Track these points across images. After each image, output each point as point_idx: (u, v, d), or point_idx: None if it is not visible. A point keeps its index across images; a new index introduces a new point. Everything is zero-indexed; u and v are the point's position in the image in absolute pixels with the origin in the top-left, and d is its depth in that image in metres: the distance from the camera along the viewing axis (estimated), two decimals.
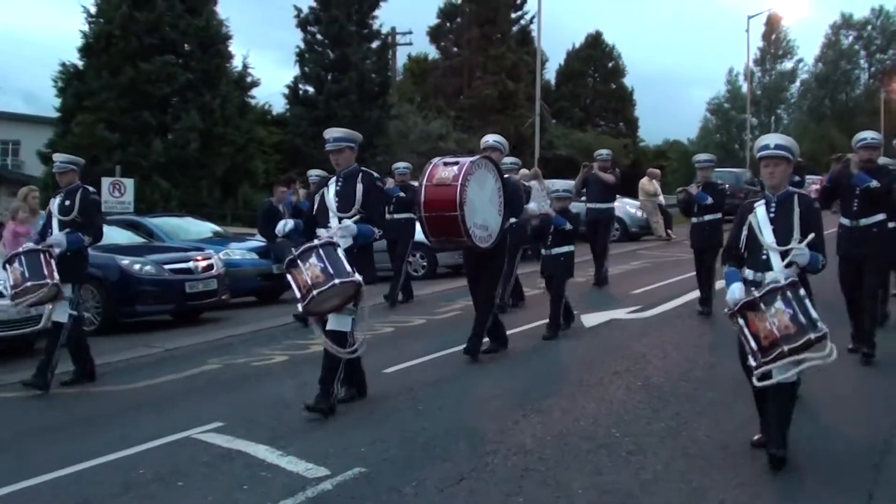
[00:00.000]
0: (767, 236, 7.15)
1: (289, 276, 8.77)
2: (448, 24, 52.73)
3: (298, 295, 8.67)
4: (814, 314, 6.65)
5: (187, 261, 16.20)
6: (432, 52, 54.82)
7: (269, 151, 36.73)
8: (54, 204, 11.47)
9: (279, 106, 41.09)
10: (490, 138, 12.14)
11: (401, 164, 18.12)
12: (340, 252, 8.77)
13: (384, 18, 41.72)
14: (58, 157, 12.10)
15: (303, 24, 39.48)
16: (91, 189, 11.67)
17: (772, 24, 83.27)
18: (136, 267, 15.61)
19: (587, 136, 53.91)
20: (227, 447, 8.08)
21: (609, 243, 18.94)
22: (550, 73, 61.65)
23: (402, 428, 8.47)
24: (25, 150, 43.50)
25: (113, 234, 15.72)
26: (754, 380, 6.84)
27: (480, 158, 11.09)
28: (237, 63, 35.50)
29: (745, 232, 7.28)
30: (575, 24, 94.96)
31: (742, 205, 7.57)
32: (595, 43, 63.75)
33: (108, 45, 32.07)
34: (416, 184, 15.77)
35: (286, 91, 39.70)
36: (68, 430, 9.38)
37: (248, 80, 36.02)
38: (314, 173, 16.23)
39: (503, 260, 11.56)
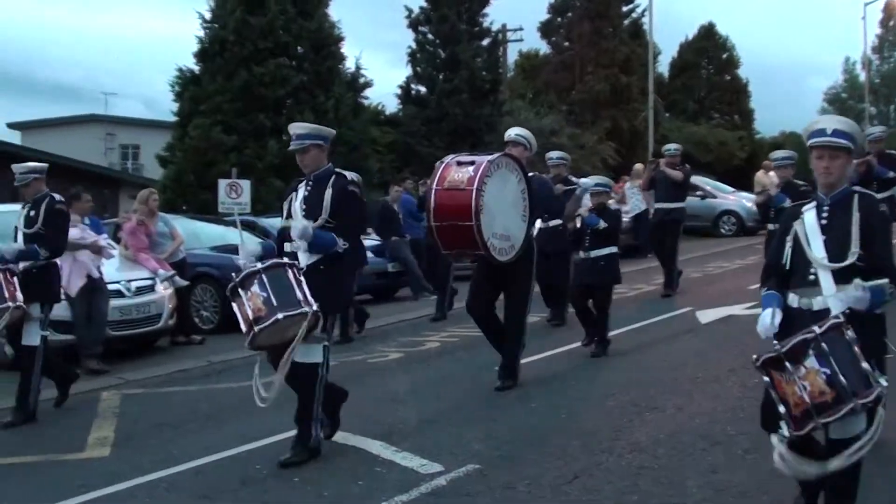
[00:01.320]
0: (816, 249, 5.51)
1: (234, 307, 7.46)
2: (559, 19, 52.39)
3: (244, 329, 7.35)
4: (864, 367, 4.96)
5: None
6: (543, 48, 54.58)
7: (382, 151, 36.96)
8: (20, 216, 10.51)
9: (392, 106, 41.33)
10: (512, 132, 10.84)
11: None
12: (291, 274, 7.40)
13: (494, 16, 41.44)
14: (17, 167, 10.76)
15: (414, 24, 39.62)
16: (58, 198, 10.54)
17: (889, 11, 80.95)
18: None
19: (701, 129, 53.11)
20: (342, 443, 8.18)
21: (678, 246, 17.34)
22: (663, 66, 60.84)
23: (515, 425, 8.47)
24: (145, 153, 44.48)
25: (230, 235, 15.99)
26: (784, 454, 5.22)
27: (500, 157, 9.83)
28: (350, 64, 35.76)
29: (789, 244, 5.66)
30: (687, 15, 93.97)
31: (786, 210, 6.13)
32: (708, 34, 62.71)
33: (223, 49, 32.58)
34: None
35: (398, 91, 39.87)
36: (188, 425, 9.58)
37: (361, 80, 36.23)
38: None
39: (530, 274, 10.27)
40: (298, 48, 33.43)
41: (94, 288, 12.54)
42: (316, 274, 7.60)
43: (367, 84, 36.46)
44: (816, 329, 4.97)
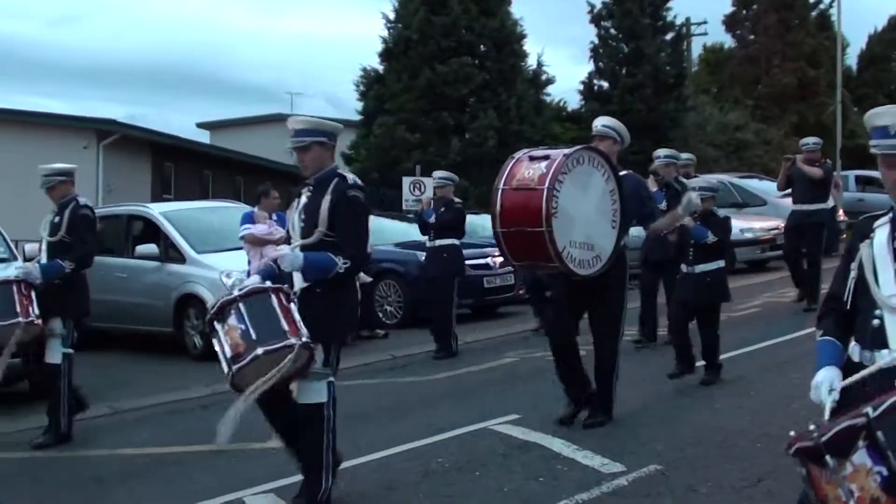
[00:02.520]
0: (885, 285, 3.98)
1: (214, 343, 6.37)
2: (744, 12, 51.32)
3: (225, 369, 6.26)
4: None
5: (485, 257, 16.49)
6: (728, 41, 53.61)
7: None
8: (44, 222, 9.75)
9: (574, 102, 41.21)
10: (599, 122, 9.11)
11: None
12: (276, 300, 6.27)
13: (678, 9, 40.92)
14: (42, 169, 10.00)
15: (596, 19, 39.37)
16: (84, 202, 9.84)
17: None
18: None
19: None
20: (524, 439, 8.19)
21: (822, 255, 15.03)
22: (851, 59, 58.94)
23: (698, 426, 8.34)
24: None
25: (413, 231, 16.19)
26: None
27: (581, 150, 8.28)
28: (532, 61, 35.82)
29: (853, 273, 4.14)
30: (876, 5, 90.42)
31: (855, 225, 4.49)
32: None
33: (407, 48, 33.04)
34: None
35: (580, 87, 39.72)
36: (372, 418, 9.74)
37: (543, 77, 36.25)
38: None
39: (623, 290, 8.75)
40: (481, 46, 33.63)
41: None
42: (313, 298, 6.52)
43: (550, 81, 36.47)
44: (870, 411, 3.14)
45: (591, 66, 39.32)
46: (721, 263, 10.24)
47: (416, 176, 24.22)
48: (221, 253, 13.79)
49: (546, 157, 8.10)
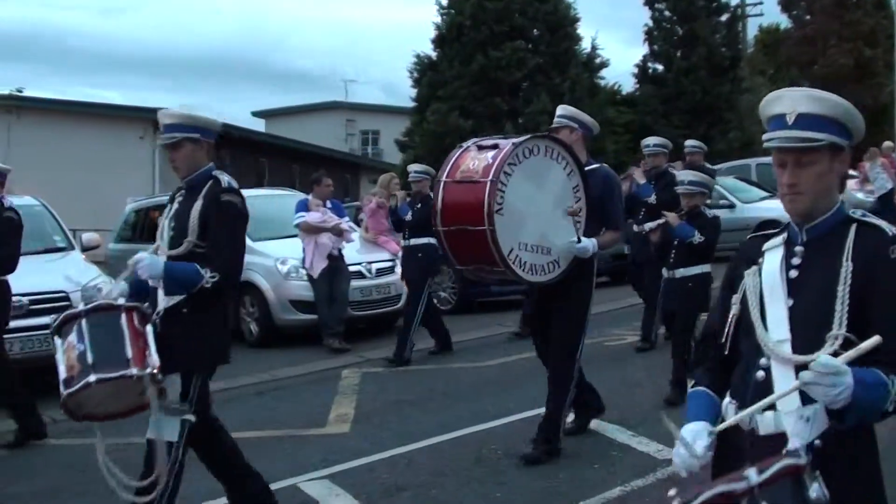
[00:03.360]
0: (776, 328, 3.13)
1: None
2: None
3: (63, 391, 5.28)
4: None
5: None
6: (784, 22, 52.91)
7: (619, 131, 36.62)
8: None
9: (628, 85, 40.87)
10: (560, 111, 8.16)
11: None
12: (126, 320, 5.30)
13: None
14: None
15: (650, 1, 39.06)
16: (7, 203, 9.18)
17: None
18: None
19: None
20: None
21: None
22: None
23: None
24: (384, 138, 45.53)
25: None
26: None
27: (535, 139, 7.31)
28: (585, 45, 35.60)
29: (734, 309, 3.30)
30: None
31: (741, 245, 3.57)
32: None
33: (460, 34, 32.96)
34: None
35: (635, 70, 39.39)
36: (425, 404, 9.76)
37: (597, 61, 36.01)
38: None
39: (585, 299, 7.70)
40: (534, 30, 33.48)
41: (336, 269, 12.89)
42: (176, 319, 5.61)
43: (604, 64, 36.24)
44: (753, 474, 2.50)
45: (645, 49, 39.01)
46: (706, 269, 9.17)
47: None
48: (277, 240, 13.87)
49: (495, 147, 7.18)
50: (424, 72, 34.07)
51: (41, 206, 13.11)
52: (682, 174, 10.05)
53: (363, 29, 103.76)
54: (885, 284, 3.03)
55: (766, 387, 3.07)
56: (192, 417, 5.62)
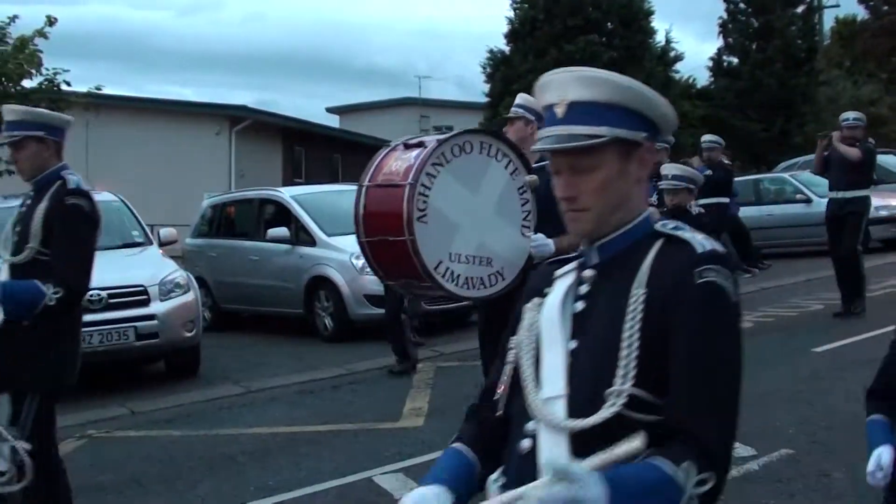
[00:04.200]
0: (550, 382, 2.30)
1: None
2: None
3: None
4: None
5: None
6: (861, 13, 52.09)
7: (694, 125, 36.34)
8: None
9: (703, 79, 40.56)
10: (518, 99, 7.16)
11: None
12: None
13: None
14: None
15: None
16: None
17: None
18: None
19: None
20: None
21: (861, 253, 12.57)
22: None
23: (832, 410, 8.16)
24: None
25: None
26: None
27: (467, 135, 6.55)
28: (660, 38, 35.43)
29: (511, 356, 2.47)
30: None
31: (529, 274, 3.54)
32: None
33: (533, 28, 32.94)
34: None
35: (709, 63, 39.10)
36: None
37: (672, 54, 35.81)
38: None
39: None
40: (608, 24, 33.35)
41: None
42: (13, 336, 5.00)
43: (678, 57, 36.02)
44: None
45: (720, 42, 38.66)
46: None
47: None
48: (351, 236, 13.89)
49: (419, 145, 6.47)
50: (497, 67, 34.09)
51: (119, 202, 13.33)
52: (666, 168, 8.98)
53: (437, 25, 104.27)
54: (684, 320, 2.19)
55: (531, 461, 2.26)
56: (25, 445, 4.87)
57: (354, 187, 17.55)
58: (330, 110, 52.02)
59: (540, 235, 6.21)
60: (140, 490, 7.59)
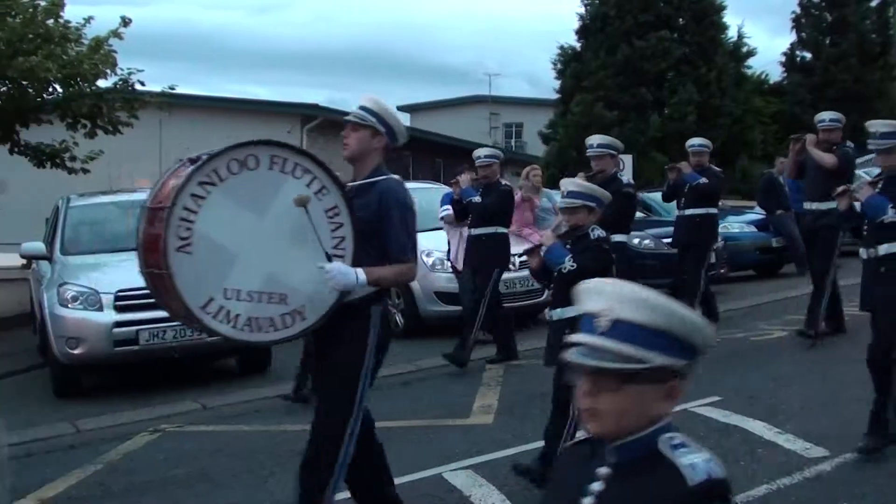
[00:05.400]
0: None
1: None
2: None
3: None
4: None
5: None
6: None
7: (766, 122, 35.93)
8: None
9: (775, 74, 40.10)
10: (363, 101, 5.96)
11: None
12: None
13: None
14: None
15: None
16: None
17: None
18: (636, 241, 15.91)
19: None
20: (724, 422, 8.07)
21: (834, 268, 11.24)
22: None
23: None
24: (528, 131, 45.60)
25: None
26: None
27: (247, 147, 5.44)
28: (732, 33, 35.07)
29: None
30: None
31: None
32: None
33: (604, 24, 32.77)
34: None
35: (782, 58, 38.63)
36: None
37: (744, 49, 35.43)
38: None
39: (364, 351, 5.56)
40: (679, 19, 33.12)
41: None
42: None
43: (750, 53, 35.65)
44: None
45: (792, 37, 38.21)
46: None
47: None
48: (422, 233, 13.89)
49: (197, 160, 5.45)
50: (568, 63, 33.97)
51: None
52: (564, 182, 7.46)
53: (507, 22, 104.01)
54: None
55: None
56: None
57: (426, 185, 17.67)
58: (401, 108, 52.11)
59: (336, 265, 5.27)
60: (210, 484, 7.69)
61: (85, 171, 17.60)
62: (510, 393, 10.03)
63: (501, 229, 11.69)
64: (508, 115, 49.39)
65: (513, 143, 48.85)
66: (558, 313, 6.87)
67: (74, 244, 12.50)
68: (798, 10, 37.88)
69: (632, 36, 31.95)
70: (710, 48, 33.07)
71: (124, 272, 9.83)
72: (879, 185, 7.42)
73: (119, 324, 10.61)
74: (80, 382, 11.42)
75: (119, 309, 10.72)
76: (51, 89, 17.15)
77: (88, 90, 17.21)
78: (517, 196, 14.70)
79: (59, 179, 17.66)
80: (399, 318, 13.83)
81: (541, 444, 7.54)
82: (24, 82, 16.44)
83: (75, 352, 10.79)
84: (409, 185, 14.67)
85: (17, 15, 16.38)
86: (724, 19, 34.33)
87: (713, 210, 12.99)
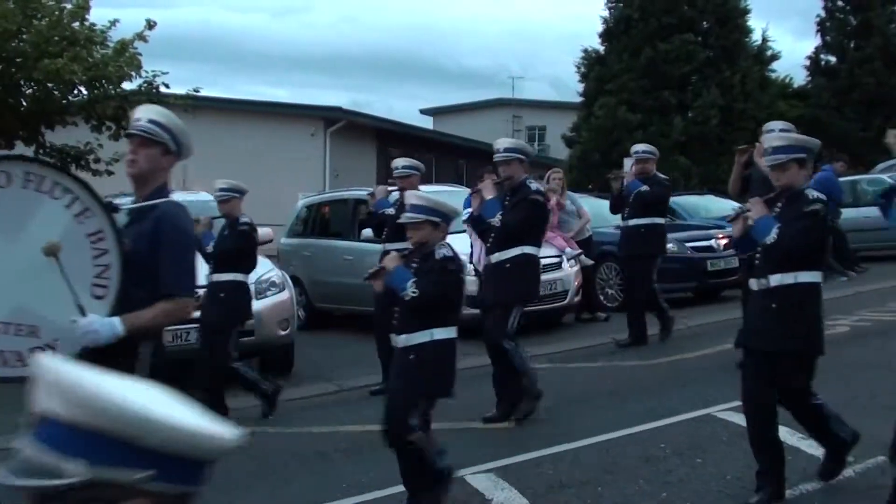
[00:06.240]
0: None
1: None
2: None
3: None
4: None
5: (708, 238, 16.27)
6: None
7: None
8: None
9: (800, 78, 39.96)
10: (156, 116, 5.17)
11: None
12: None
13: None
14: None
15: None
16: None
17: None
18: None
19: None
20: (745, 426, 8.04)
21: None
22: None
23: None
24: (551, 134, 45.60)
25: None
26: None
27: (2, 161, 4.83)
28: (756, 36, 34.99)
29: None
30: None
31: None
32: None
33: (628, 27, 32.77)
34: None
35: (807, 62, 38.50)
36: (591, 401, 9.76)
37: (768, 53, 35.34)
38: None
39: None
40: (703, 23, 33.08)
41: None
42: None
43: (775, 56, 35.55)
44: None
45: (817, 40, 38.05)
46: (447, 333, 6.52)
47: None
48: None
49: None
50: (592, 66, 33.98)
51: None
52: (408, 195, 7.30)
53: (531, 25, 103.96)
54: None
55: None
56: None
57: (448, 188, 17.71)
58: (424, 112, 52.29)
59: (88, 319, 4.58)
60: (234, 485, 7.71)
61: (109, 172, 17.69)
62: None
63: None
64: (531, 118, 49.36)
65: (535, 147, 48.83)
66: (404, 340, 6.47)
67: None
68: (822, 14, 37.73)
69: (655, 39, 31.92)
70: (734, 51, 33.01)
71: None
72: (778, 206, 6.43)
73: None
74: None
75: None
76: (76, 91, 17.30)
77: (113, 92, 17.33)
78: (551, 201, 14.63)
79: None
80: None
81: (564, 447, 7.57)
82: (49, 84, 16.58)
83: None
84: (432, 187, 14.80)
85: (44, 17, 16.52)
86: (749, 22, 34.32)
87: (659, 220, 12.42)
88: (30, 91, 16.95)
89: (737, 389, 9.09)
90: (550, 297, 13.97)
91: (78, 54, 16.21)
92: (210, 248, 10.04)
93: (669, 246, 15.67)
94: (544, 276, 13.87)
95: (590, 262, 14.81)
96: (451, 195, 15.60)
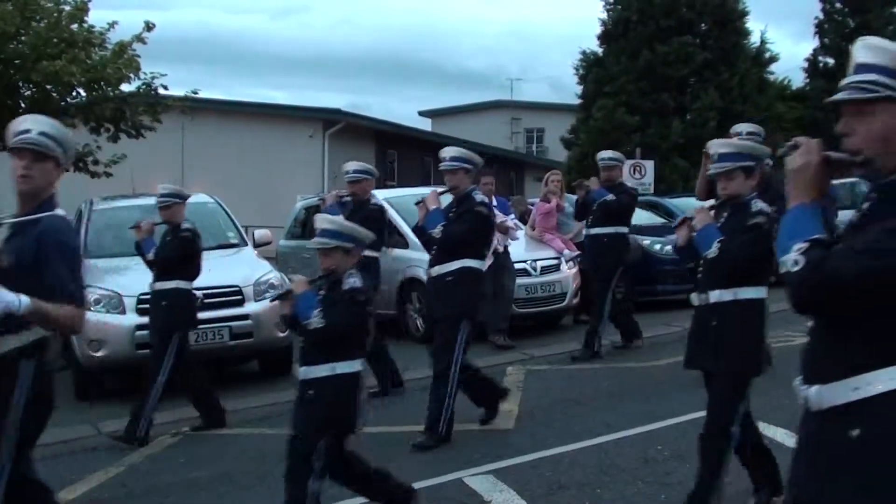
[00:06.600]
0: None
1: None
2: None
3: None
4: None
5: None
6: None
7: (788, 127, 35.81)
8: None
9: (798, 80, 39.98)
10: (42, 120, 5.06)
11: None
12: None
13: None
14: None
15: None
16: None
17: None
18: (657, 247, 15.88)
19: None
20: None
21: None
22: None
23: None
24: (549, 136, 45.63)
25: (637, 215, 16.10)
26: None
27: None
28: (754, 39, 34.99)
29: None
30: None
31: None
32: None
33: (626, 29, 32.77)
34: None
35: (805, 64, 38.52)
36: (591, 402, 9.73)
37: (766, 55, 35.33)
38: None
39: (3, 409, 4.66)
40: (702, 25, 33.08)
41: (501, 266, 12.93)
42: None
43: (773, 58, 35.55)
44: None
45: (815, 42, 38.10)
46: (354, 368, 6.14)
47: (637, 159, 23.98)
48: None
49: None
50: (590, 68, 33.98)
51: (215, 204, 13.56)
52: (318, 218, 6.68)
53: (529, 27, 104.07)
54: None
55: None
56: None
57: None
58: (422, 114, 52.33)
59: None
60: (233, 486, 7.71)
61: (108, 174, 17.70)
62: (531, 398, 10.01)
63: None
64: (530, 120, 49.39)
65: (534, 148, 48.85)
66: (303, 372, 6.10)
67: (97, 247, 12.54)
68: (821, 16, 37.76)
69: (654, 41, 31.92)
70: (733, 53, 33.02)
71: (147, 275, 9.87)
72: (724, 215, 6.17)
73: (141, 327, 10.60)
74: (102, 385, 11.47)
75: (141, 312, 10.72)
76: (74, 93, 17.28)
77: (112, 94, 17.32)
78: (551, 203, 14.62)
79: (82, 183, 17.79)
80: (419, 323, 13.83)
81: (562, 448, 7.55)
82: (48, 86, 16.56)
83: (97, 354, 10.85)
84: (430, 189, 14.76)
85: (42, 19, 16.50)
86: (747, 24, 34.31)
87: (623, 229, 12.13)
88: (28, 93, 16.93)
89: None
90: (549, 299, 13.98)
91: (76, 56, 16.19)
92: (151, 256, 9.82)
93: (668, 248, 15.69)
94: (542, 278, 13.92)
95: None
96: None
